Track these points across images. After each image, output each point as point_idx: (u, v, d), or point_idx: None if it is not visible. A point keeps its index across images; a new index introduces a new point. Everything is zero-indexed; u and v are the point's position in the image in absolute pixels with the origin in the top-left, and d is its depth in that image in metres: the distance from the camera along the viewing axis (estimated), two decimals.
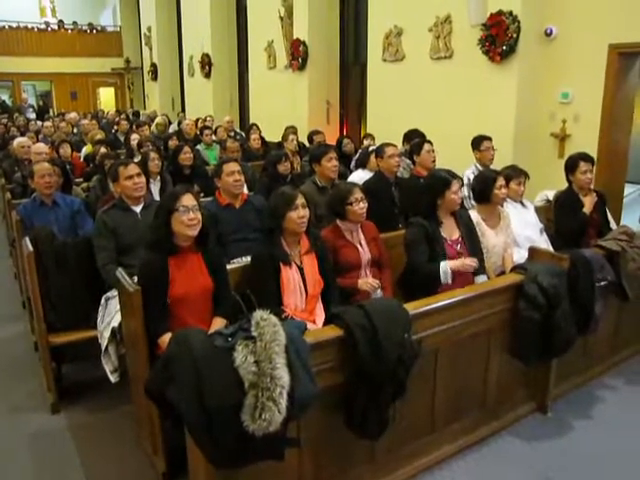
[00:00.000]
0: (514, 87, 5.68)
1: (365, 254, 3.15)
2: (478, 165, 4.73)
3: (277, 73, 10.20)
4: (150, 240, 2.53)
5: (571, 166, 3.80)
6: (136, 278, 2.54)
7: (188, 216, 2.46)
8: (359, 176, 5.24)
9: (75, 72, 18.73)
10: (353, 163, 6.24)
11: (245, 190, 4.04)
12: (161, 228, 2.48)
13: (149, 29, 16.37)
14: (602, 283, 3.10)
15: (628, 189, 6.25)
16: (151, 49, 16.47)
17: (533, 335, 2.73)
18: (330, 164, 4.15)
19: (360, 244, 3.17)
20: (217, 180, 3.60)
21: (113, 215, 3.33)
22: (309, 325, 2.66)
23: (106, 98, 20.18)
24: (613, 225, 4.05)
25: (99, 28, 19.73)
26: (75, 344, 3.18)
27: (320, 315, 2.81)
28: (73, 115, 12.07)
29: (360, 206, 3.10)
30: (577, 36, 5.36)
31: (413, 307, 2.38)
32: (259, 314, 1.85)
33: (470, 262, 2.98)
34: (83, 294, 3.25)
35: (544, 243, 3.88)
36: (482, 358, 2.78)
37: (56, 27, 19.05)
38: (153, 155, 5.01)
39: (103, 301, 3.08)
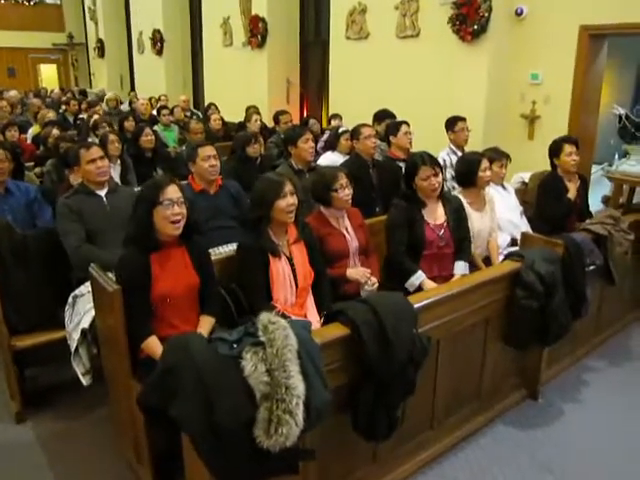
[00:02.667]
0: (485, 67, 5.62)
1: (353, 241, 3.00)
2: (452, 146, 4.65)
3: (234, 51, 9.81)
4: (129, 235, 2.29)
5: (555, 150, 3.76)
6: (112, 275, 2.31)
7: (172, 210, 2.23)
8: (331, 159, 5.07)
9: (12, 47, 17.54)
10: (320, 144, 6.06)
11: None
12: (141, 223, 2.24)
13: (94, 2, 15.50)
14: (591, 267, 3.08)
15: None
16: (97, 24, 15.61)
17: (530, 323, 2.67)
18: (307, 145, 3.96)
19: (347, 231, 3.02)
20: (191, 165, 3.36)
21: (77, 200, 3.07)
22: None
23: (48, 75, 19.05)
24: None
25: (37, 0, 18.53)
26: (41, 346, 2.91)
27: (311, 309, 2.66)
28: (13, 93, 11.25)
29: (346, 192, 2.96)
30: (548, 16, 5.33)
31: (416, 300, 2.26)
32: (266, 317, 1.68)
33: None
34: (47, 292, 2.96)
35: (524, 226, 3.85)
36: (479, 348, 2.70)
37: None
38: (112, 137, 4.68)
39: (70, 300, 2.81)
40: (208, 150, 3.32)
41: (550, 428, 2.88)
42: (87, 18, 16.50)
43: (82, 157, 3.13)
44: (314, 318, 2.61)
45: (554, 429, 2.88)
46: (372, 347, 1.95)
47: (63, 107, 9.61)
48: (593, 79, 5.25)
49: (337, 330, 2.02)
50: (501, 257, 3.46)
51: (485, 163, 3.39)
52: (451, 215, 3.14)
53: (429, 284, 2.89)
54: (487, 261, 3.45)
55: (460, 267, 3.10)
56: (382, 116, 5.35)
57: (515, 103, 5.71)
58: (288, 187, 2.57)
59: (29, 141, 6.72)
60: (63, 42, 18.42)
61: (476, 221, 3.39)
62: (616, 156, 7.19)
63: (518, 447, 2.73)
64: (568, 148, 3.73)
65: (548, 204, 3.76)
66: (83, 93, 13.41)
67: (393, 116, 5.24)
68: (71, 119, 8.79)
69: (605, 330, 3.67)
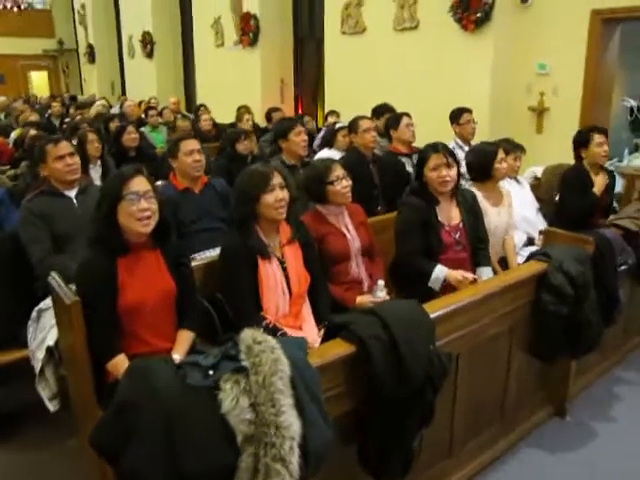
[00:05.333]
0: (489, 58, 5.29)
1: (354, 241, 2.65)
2: (458, 140, 4.34)
3: (226, 51, 9.50)
4: (92, 237, 1.94)
5: (584, 140, 3.38)
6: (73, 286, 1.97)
7: (139, 206, 1.89)
8: (327, 156, 4.75)
9: (1, 53, 17.21)
10: (317, 142, 5.78)
11: None
12: (104, 222, 1.90)
13: (83, 7, 15.14)
14: (622, 267, 2.74)
15: None
16: (86, 29, 15.28)
17: (560, 331, 2.33)
18: (299, 139, 3.63)
19: (347, 230, 2.68)
20: (172, 160, 3.02)
21: (41, 203, 2.74)
22: (297, 334, 2.18)
23: (38, 83, 18.68)
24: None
25: (25, 5, 18.17)
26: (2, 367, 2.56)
27: (308, 319, 2.31)
28: (1, 99, 10.97)
29: (343, 184, 2.61)
30: (556, 1, 5.00)
31: (433, 309, 1.91)
32: (250, 335, 1.33)
33: (471, 278, 2.50)
34: (9, 305, 2.62)
35: (541, 224, 3.53)
36: (503, 361, 2.36)
37: None
38: (91, 137, 4.34)
39: (34, 314, 2.44)
40: (191, 144, 2.99)
41: (580, 449, 2.55)
42: (77, 23, 16.17)
43: (49, 153, 2.79)
44: (312, 330, 2.27)
45: (585, 450, 2.54)
46: (382, 366, 1.61)
47: (49, 111, 9.29)
48: (606, 68, 4.92)
49: (340, 348, 1.67)
50: (519, 258, 3.13)
51: (501, 154, 3.08)
52: (467, 214, 2.79)
53: (456, 274, 2.48)
54: (502, 262, 3.12)
55: (485, 274, 2.72)
56: (381, 111, 5.04)
57: (522, 95, 5.38)
58: (276, 179, 2.23)
59: (10, 145, 6.40)
60: (53, 48, 18.07)
61: (492, 217, 3.05)
62: (626, 151, 6.87)
63: (546, 471, 2.41)
64: (598, 138, 3.37)
65: (571, 199, 3.38)
66: (73, 99, 13.10)
67: (393, 110, 4.92)
68: (57, 123, 8.46)
69: (635, 336, 3.33)
